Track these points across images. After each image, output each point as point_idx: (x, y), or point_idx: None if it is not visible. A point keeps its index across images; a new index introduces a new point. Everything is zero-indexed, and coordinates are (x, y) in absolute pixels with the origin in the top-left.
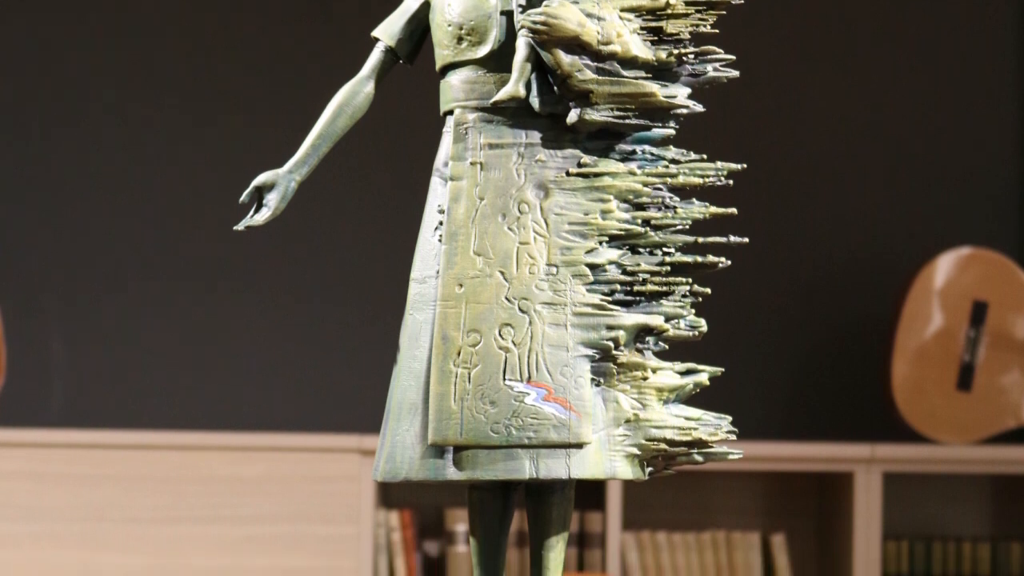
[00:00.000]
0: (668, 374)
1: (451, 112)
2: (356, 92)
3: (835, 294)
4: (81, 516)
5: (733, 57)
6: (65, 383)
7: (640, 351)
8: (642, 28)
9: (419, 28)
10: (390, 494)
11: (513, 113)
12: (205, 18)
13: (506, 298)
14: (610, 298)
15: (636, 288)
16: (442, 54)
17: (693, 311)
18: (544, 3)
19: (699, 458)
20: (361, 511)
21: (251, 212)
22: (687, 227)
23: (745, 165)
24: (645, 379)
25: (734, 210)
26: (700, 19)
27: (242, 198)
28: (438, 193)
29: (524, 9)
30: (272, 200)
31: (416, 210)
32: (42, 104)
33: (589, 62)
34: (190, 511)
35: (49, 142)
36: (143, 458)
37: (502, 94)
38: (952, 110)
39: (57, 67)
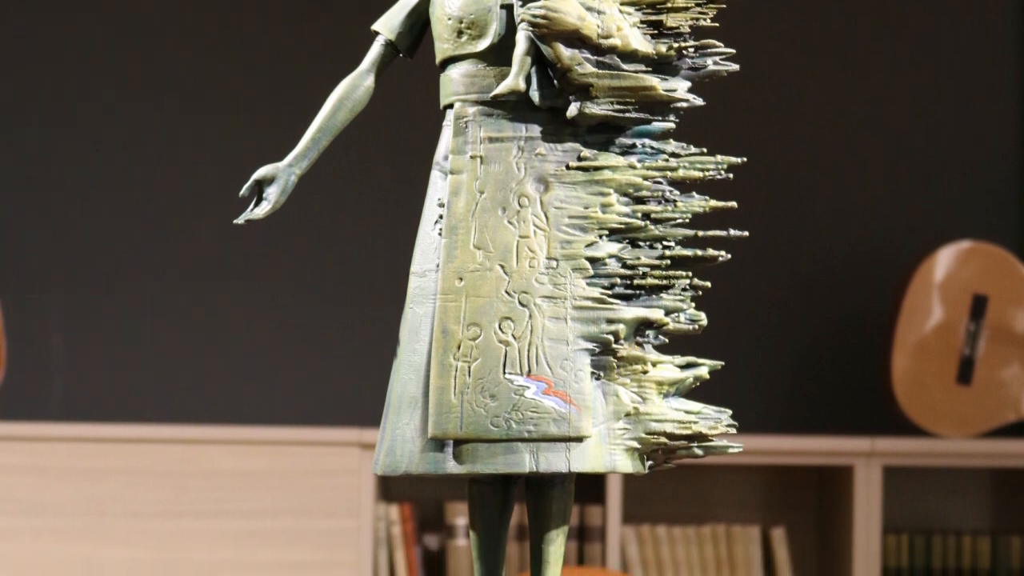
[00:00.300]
0: (668, 368)
1: (451, 106)
2: (356, 86)
3: (835, 288)
4: (82, 510)
5: (733, 51)
6: (66, 377)
7: (640, 345)
8: (642, 22)
9: (419, 22)
10: (390, 488)
11: (513, 107)
12: (204, 15)
13: (506, 292)
14: (610, 292)
15: (636, 282)
16: (442, 48)
17: (693, 305)
18: None
19: (699, 452)
20: (361, 505)
21: (251, 206)
22: (687, 221)
23: (745, 159)
24: (645, 373)
25: (734, 204)
26: (700, 13)
27: (242, 192)
28: (438, 187)
29: (524, 3)
30: (272, 194)
31: (416, 204)
32: (42, 98)
33: (589, 56)
34: (191, 505)
35: (49, 136)
36: (144, 452)
37: (502, 88)
38: (952, 103)
39: (57, 64)
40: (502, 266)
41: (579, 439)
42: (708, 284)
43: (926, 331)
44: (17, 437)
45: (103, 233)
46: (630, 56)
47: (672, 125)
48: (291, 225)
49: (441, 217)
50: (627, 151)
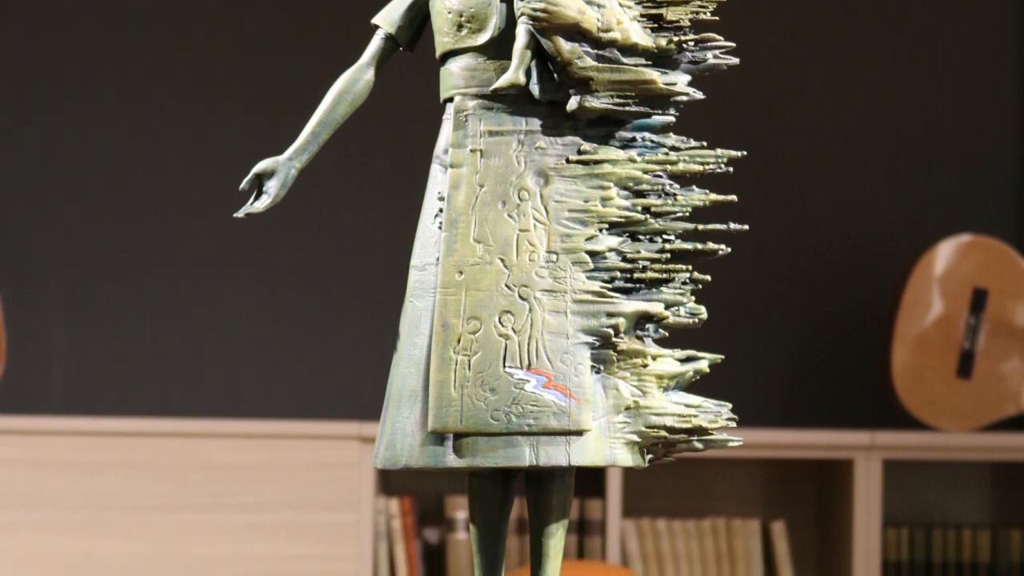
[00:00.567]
0: (668, 361)
1: (451, 99)
2: (356, 79)
3: (835, 281)
4: (82, 504)
5: (733, 44)
6: (65, 370)
7: (640, 338)
8: (642, 15)
9: (419, 15)
10: (390, 481)
11: (513, 100)
12: (203, 11)
13: (506, 285)
14: (610, 285)
15: (636, 275)
16: (442, 41)
17: (693, 298)
18: None
19: (699, 445)
20: (361, 498)
21: (251, 199)
22: (687, 214)
23: (745, 152)
24: (645, 366)
25: (734, 197)
26: (700, 6)
27: (242, 185)
28: (438, 180)
29: None
30: (272, 187)
31: (416, 197)
32: (42, 94)
33: (589, 49)
34: (191, 499)
35: (49, 130)
36: (144, 446)
37: (502, 81)
38: (952, 97)
39: (57, 63)
40: (502, 260)
41: (579, 433)
42: (708, 278)
43: (926, 325)
44: (17, 431)
45: (103, 227)
46: (630, 50)
47: (672, 119)
48: (291, 219)
49: (441, 211)
50: (627, 145)
